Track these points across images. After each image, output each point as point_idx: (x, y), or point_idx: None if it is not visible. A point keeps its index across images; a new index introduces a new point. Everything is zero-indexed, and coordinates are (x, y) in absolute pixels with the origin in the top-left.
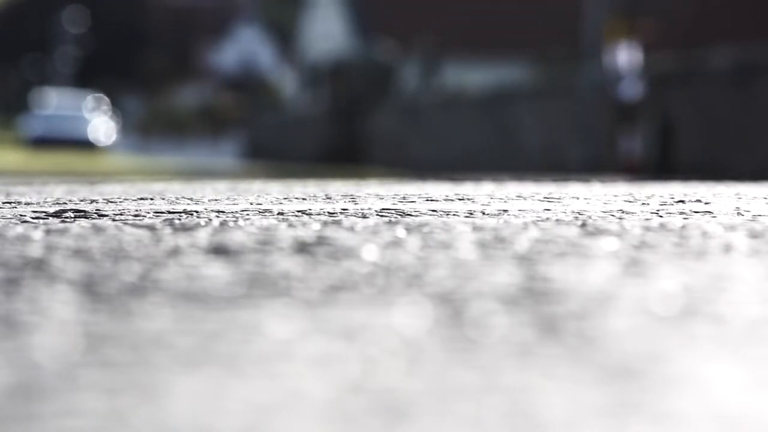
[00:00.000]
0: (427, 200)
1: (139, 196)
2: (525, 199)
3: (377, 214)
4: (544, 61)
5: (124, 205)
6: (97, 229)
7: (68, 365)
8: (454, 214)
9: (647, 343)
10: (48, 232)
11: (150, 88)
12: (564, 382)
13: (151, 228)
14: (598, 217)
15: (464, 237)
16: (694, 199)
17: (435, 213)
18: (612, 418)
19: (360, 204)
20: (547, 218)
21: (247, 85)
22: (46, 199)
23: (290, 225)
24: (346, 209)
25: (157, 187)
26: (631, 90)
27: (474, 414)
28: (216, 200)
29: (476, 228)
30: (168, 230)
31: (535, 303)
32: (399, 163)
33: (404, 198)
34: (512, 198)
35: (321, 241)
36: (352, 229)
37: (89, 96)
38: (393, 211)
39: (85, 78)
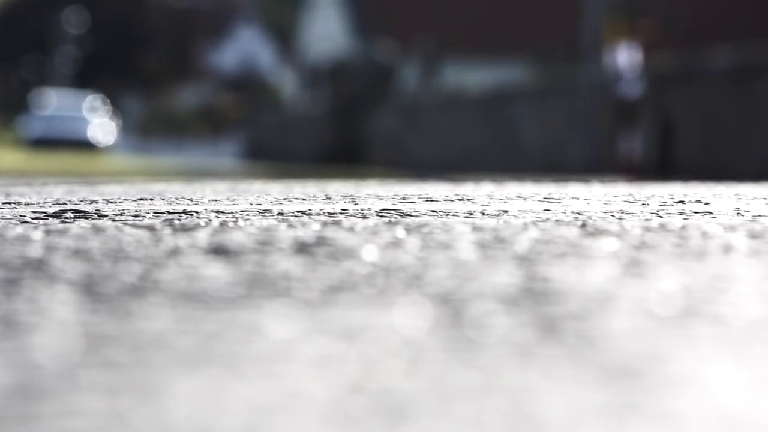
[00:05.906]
0: (427, 201)
1: (139, 197)
2: (525, 199)
3: (377, 215)
4: (544, 61)
5: (124, 205)
6: (97, 230)
7: (68, 365)
8: (453, 215)
9: (647, 343)
10: (48, 232)
11: (150, 88)
12: (564, 382)
13: (151, 228)
14: (598, 217)
15: (464, 237)
16: (694, 200)
17: (435, 213)
18: (612, 419)
19: (360, 204)
20: (547, 219)
21: (247, 85)
22: (45, 199)
23: (290, 225)
24: (346, 210)
25: (157, 187)
26: (631, 90)
27: (474, 414)
28: (216, 201)
29: (476, 228)
30: (168, 231)
31: (535, 303)
32: (399, 164)
33: (404, 198)
34: (512, 198)
35: (321, 241)
36: (351, 229)
37: (89, 96)
38: (393, 212)
39: (85, 78)
